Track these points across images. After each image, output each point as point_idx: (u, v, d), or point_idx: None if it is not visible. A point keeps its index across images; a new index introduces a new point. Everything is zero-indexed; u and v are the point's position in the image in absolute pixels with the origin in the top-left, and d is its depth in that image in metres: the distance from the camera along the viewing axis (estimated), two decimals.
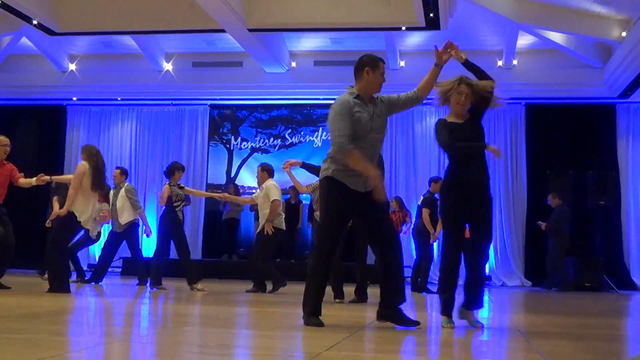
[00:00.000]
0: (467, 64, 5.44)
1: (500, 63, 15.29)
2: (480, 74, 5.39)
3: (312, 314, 5.01)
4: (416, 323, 4.95)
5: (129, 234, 11.03)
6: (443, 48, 5.34)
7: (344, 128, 4.94)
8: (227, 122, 17.16)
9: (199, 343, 3.98)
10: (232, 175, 16.82)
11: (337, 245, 5.24)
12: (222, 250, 15.97)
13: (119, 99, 17.14)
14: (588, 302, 10.09)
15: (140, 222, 11.26)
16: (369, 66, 5.13)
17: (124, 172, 11.33)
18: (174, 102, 17.11)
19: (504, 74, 15.20)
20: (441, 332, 4.94)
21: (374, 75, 5.11)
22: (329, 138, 5.28)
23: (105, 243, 11.38)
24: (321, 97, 16.16)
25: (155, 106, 17.30)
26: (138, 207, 11.07)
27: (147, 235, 11.27)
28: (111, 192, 11.19)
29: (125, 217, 10.88)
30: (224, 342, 4.05)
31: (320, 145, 16.44)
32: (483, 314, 7.29)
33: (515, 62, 15.25)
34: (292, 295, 9.15)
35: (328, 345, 3.80)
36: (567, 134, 15.34)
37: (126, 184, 11.21)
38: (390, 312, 5.01)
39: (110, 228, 11.29)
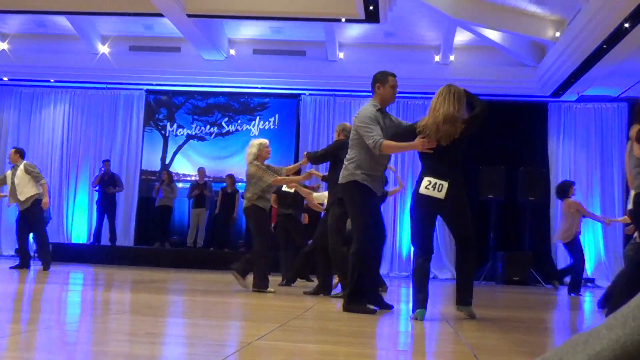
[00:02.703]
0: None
1: (437, 58, 15.47)
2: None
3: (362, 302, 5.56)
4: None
5: (31, 209, 10.79)
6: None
7: (375, 130, 5.49)
8: (163, 108, 16.94)
9: (128, 331, 3.92)
10: (167, 162, 16.62)
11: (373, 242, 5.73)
12: (154, 238, 15.80)
13: (51, 80, 16.72)
14: (516, 295, 10.32)
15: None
16: (379, 82, 5.74)
17: (18, 151, 11.12)
18: (108, 85, 16.80)
19: (441, 69, 15.40)
20: (367, 323, 4.98)
21: (384, 89, 5.71)
22: (363, 141, 5.61)
23: (17, 229, 11.11)
24: (259, 85, 16.10)
25: (90, 89, 16.96)
26: (41, 177, 10.90)
27: (43, 207, 11.01)
28: (9, 172, 10.95)
29: (25, 193, 10.69)
30: (153, 330, 4.00)
31: (256, 134, 16.37)
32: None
33: (452, 58, 15.45)
34: (224, 284, 9.11)
35: (259, 334, 3.79)
36: (501, 131, 15.62)
37: (24, 161, 10.97)
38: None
39: (17, 212, 11.08)
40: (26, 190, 10.70)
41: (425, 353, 3.76)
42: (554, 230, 15.35)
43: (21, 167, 10.79)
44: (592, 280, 14.83)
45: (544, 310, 7.88)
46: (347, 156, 5.73)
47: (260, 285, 7.81)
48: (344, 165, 5.74)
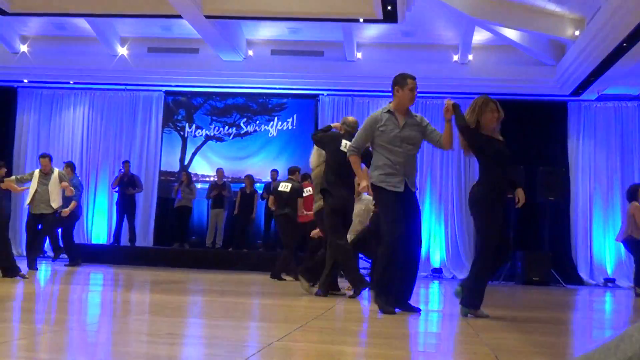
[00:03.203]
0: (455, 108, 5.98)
1: (456, 58, 15.42)
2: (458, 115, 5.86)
3: (388, 302, 5.59)
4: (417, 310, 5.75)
5: (52, 216, 11.18)
6: (445, 110, 5.75)
7: (358, 138, 5.95)
8: (181, 109, 17.01)
9: (148, 332, 3.94)
10: (186, 163, 16.69)
11: (400, 235, 5.68)
12: (173, 238, 15.86)
13: (71, 82, 16.84)
14: (536, 296, 10.27)
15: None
16: (398, 85, 5.86)
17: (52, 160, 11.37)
18: (127, 87, 16.88)
19: (460, 68, 15.36)
20: (389, 324, 4.97)
21: (403, 92, 5.82)
22: (375, 142, 5.95)
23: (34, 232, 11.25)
24: (277, 86, 16.12)
25: (109, 91, 17.05)
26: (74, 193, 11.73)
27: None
28: (37, 172, 11.08)
29: (57, 201, 11.07)
30: (173, 331, 4.02)
31: (275, 134, 16.40)
32: (434, 307, 7.37)
33: (470, 57, 15.39)
34: (243, 285, 9.14)
35: (279, 335, 3.79)
36: (519, 130, 15.52)
37: (58, 169, 11.30)
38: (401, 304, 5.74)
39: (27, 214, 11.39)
40: (58, 198, 10.94)
41: (446, 354, 3.75)
42: (574, 230, 15.27)
43: (55, 174, 10.97)
44: (612, 280, 14.72)
45: (564, 311, 7.83)
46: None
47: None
48: None
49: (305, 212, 10.67)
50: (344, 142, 7.31)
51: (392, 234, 5.60)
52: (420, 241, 5.89)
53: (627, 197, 11.56)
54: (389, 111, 5.84)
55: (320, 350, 3.48)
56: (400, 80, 5.85)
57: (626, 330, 1.19)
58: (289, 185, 10.83)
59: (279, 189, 10.89)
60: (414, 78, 5.87)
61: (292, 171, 11.42)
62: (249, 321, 4.87)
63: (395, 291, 5.73)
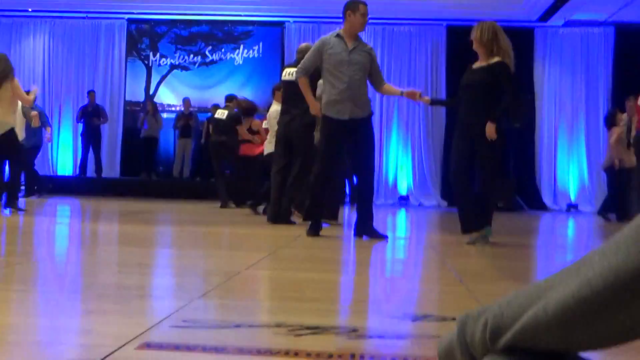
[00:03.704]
0: (434, 103, 6.78)
1: None
2: (444, 103, 6.02)
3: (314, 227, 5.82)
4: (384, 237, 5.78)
5: None
6: (409, 94, 6.06)
7: (306, 60, 5.94)
8: (145, 38, 16.67)
9: (117, 262, 3.96)
10: (151, 92, 16.46)
11: (332, 168, 5.97)
12: (140, 169, 15.77)
13: (30, 10, 16.36)
14: (500, 222, 10.43)
15: None
16: (350, 9, 5.83)
17: None
18: (89, 15, 16.46)
19: None
20: (356, 250, 5.05)
21: (354, 17, 5.81)
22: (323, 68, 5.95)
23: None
24: (243, 13, 15.84)
25: (70, 19, 16.60)
26: None
27: None
28: None
29: None
30: (142, 261, 4.04)
31: (241, 63, 16.20)
32: (401, 234, 7.48)
33: None
34: (211, 215, 9.16)
35: (248, 264, 3.83)
36: None
37: None
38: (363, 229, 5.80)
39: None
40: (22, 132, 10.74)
41: (411, 279, 3.83)
42: (539, 157, 15.45)
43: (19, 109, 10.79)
44: (575, 206, 15.01)
45: (528, 237, 7.99)
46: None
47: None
48: None
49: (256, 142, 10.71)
50: (285, 70, 7.42)
51: (322, 165, 5.78)
52: (371, 167, 5.95)
53: (605, 124, 11.50)
54: (338, 35, 5.87)
55: (287, 278, 3.53)
56: (352, 5, 5.86)
57: (587, 254, 1.21)
58: (226, 112, 10.87)
59: (216, 116, 10.94)
60: (365, 4, 5.89)
61: (229, 99, 11.50)
62: (218, 250, 4.91)
63: (357, 220, 5.90)
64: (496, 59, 5.55)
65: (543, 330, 1.21)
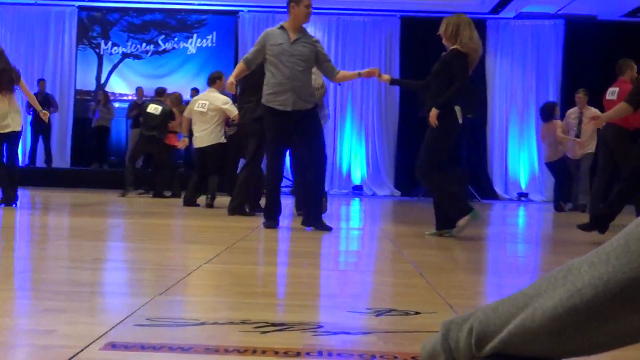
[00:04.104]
0: (393, 82, 6.50)
1: None
2: (407, 84, 6.02)
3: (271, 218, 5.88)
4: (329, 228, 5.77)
5: None
6: (368, 73, 6.11)
7: (251, 50, 6.05)
8: (96, 26, 16.38)
9: (70, 257, 3.89)
10: (102, 81, 16.20)
11: (278, 160, 5.95)
12: (92, 159, 15.53)
13: None
14: None
15: None
16: (293, 2, 5.88)
17: None
18: (38, 2, 16.11)
19: None
20: (311, 243, 5.04)
21: (298, 9, 5.84)
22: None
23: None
24: (196, 2, 15.69)
25: (18, 5, 16.23)
26: None
27: None
28: None
29: None
30: (99, 256, 3.98)
31: (194, 52, 16.05)
32: (355, 224, 7.50)
33: None
34: (165, 206, 9.07)
35: (207, 258, 3.80)
36: (439, 48, 15.57)
37: None
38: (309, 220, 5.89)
39: None
40: None
41: (370, 272, 3.84)
42: (490, 146, 15.64)
43: None
44: (526, 195, 15.25)
45: (481, 227, 8.08)
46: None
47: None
48: None
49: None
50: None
51: (271, 158, 5.84)
52: (320, 158, 5.91)
53: (541, 117, 11.53)
54: (281, 27, 5.91)
55: (247, 272, 3.52)
56: None
57: (574, 262, 1.22)
58: (159, 108, 10.88)
59: (148, 110, 10.95)
60: None
61: (160, 92, 11.53)
62: (174, 244, 4.86)
63: (306, 211, 5.99)
64: (451, 47, 5.60)
65: (531, 337, 1.23)
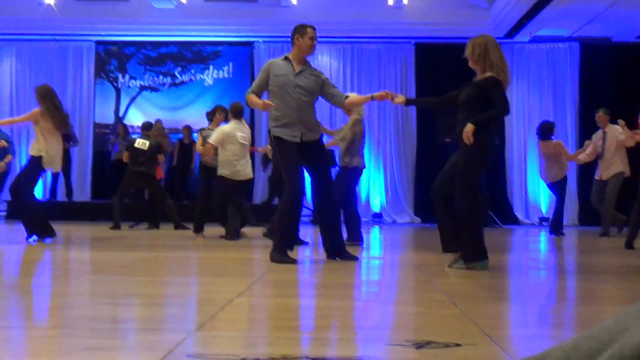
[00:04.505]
0: (409, 102, 6.16)
1: (390, 2, 15.31)
2: (426, 102, 5.87)
3: (284, 253, 5.55)
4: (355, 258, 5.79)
5: None
6: (380, 96, 5.91)
7: (255, 81, 5.99)
8: (113, 59, 16.56)
9: (106, 293, 3.89)
10: (121, 114, 16.34)
11: (299, 183, 5.72)
12: (111, 192, 15.59)
13: None
14: None
15: None
16: (298, 33, 5.91)
17: None
18: (56, 37, 16.33)
19: (394, 12, 15.29)
20: (341, 273, 5.03)
21: (303, 40, 5.86)
22: (273, 90, 5.94)
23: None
24: (212, 34, 15.83)
25: (37, 42, 16.45)
26: None
27: None
28: None
29: None
30: (130, 291, 3.98)
31: (211, 83, 16.16)
32: (378, 253, 7.47)
33: (405, 1, 15.33)
34: (186, 238, 9.07)
35: (238, 291, 3.79)
36: (455, 73, 15.61)
37: None
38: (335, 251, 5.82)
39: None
40: None
41: (402, 302, 3.82)
42: (509, 171, 15.60)
43: None
44: (547, 219, 15.14)
45: (504, 253, 8.04)
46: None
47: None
48: None
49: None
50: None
51: (290, 187, 5.64)
52: (331, 188, 5.92)
53: (539, 135, 11.22)
54: (286, 58, 5.93)
55: (281, 305, 3.51)
56: (300, 29, 5.94)
57: (617, 318, 1.21)
58: (147, 142, 10.94)
59: (136, 145, 11.00)
60: (313, 27, 5.97)
61: (146, 126, 11.62)
62: (202, 277, 4.86)
63: (329, 243, 5.86)
64: (488, 74, 5.40)
65: None
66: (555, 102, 15.75)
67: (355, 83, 15.82)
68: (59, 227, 11.60)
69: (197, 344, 2.43)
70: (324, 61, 15.49)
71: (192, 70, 16.31)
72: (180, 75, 16.31)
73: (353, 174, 7.95)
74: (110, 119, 16.28)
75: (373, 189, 15.68)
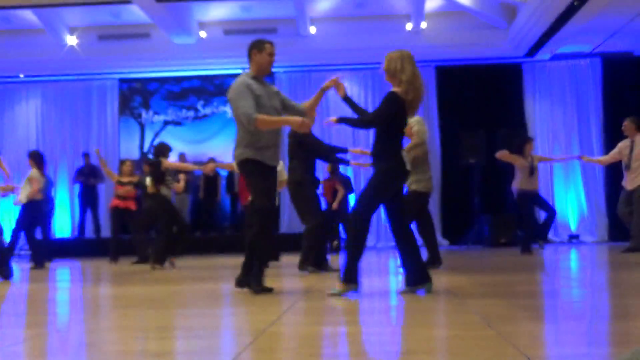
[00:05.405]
0: (346, 99, 5.56)
1: (409, 27, 15.44)
2: (356, 109, 5.46)
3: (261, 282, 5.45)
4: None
5: None
6: (327, 86, 5.68)
7: (247, 104, 5.32)
8: (137, 96, 16.79)
9: (139, 327, 3.91)
10: (146, 149, 16.51)
11: (272, 209, 5.49)
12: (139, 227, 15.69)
13: (21, 75, 16.51)
14: (505, 258, 10.42)
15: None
16: (255, 48, 5.60)
17: None
18: (80, 77, 16.59)
19: (413, 37, 15.39)
20: (367, 299, 5.00)
21: (261, 56, 5.55)
22: (235, 119, 5.58)
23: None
24: (232, 66, 16.00)
25: (61, 82, 16.75)
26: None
27: None
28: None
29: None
30: (162, 324, 3.99)
31: None
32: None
33: (423, 25, 15.42)
34: (215, 269, 9.10)
35: (269, 320, 3.79)
36: (477, 94, 15.66)
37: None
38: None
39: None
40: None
41: (437, 325, 3.79)
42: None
43: None
44: (576, 236, 15.01)
45: (535, 272, 7.96)
46: (238, 135, 5.52)
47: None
48: (236, 145, 5.54)
49: None
50: None
51: (264, 206, 5.38)
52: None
53: (515, 148, 11.21)
54: (255, 77, 5.54)
55: (316, 333, 3.49)
56: (258, 44, 5.61)
57: None
58: (147, 179, 10.94)
59: (146, 183, 10.90)
60: (272, 43, 5.66)
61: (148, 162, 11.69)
62: (234, 307, 4.86)
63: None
64: (392, 90, 5.21)
65: None
66: (579, 118, 15.71)
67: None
68: (90, 264, 11.70)
69: None
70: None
71: (215, 103, 16.48)
72: (203, 109, 16.48)
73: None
74: (135, 155, 16.47)
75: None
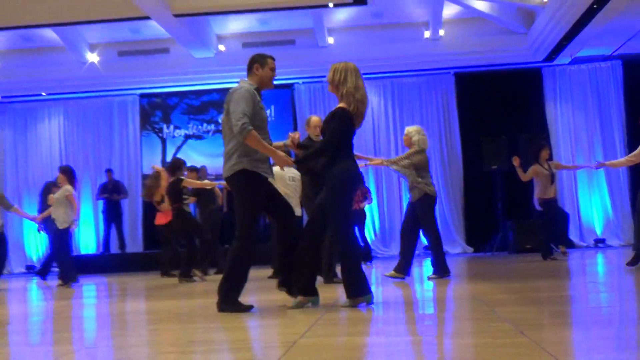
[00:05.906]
0: (300, 147, 5.71)
1: (427, 34, 15.42)
2: (310, 147, 5.65)
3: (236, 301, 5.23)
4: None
5: None
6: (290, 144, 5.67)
7: (247, 110, 5.17)
8: (158, 111, 16.89)
9: (170, 342, 3.92)
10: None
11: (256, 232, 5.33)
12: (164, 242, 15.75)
13: (44, 94, 16.68)
14: (531, 264, 10.35)
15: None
16: (257, 63, 5.48)
17: None
18: (101, 93, 16.73)
19: (432, 44, 15.38)
20: (397, 307, 4.99)
21: (263, 71, 5.46)
22: (223, 125, 5.53)
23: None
24: None
25: (83, 99, 16.89)
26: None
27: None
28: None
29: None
30: (194, 338, 4.00)
31: None
32: (432, 285, 7.39)
33: (441, 32, 15.39)
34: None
35: (300, 332, 3.79)
36: (497, 100, 15.58)
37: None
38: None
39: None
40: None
41: (468, 334, 3.77)
42: (560, 194, 15.35)
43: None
44: (602, 241, 14.88)
45: (563, 277, 7.90)
46: (229, 146, 5.33)
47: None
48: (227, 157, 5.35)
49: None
50: None
51: (251, 228, 5.22)
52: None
53: (530, 155, 11.30)
54: (257, 89, 5.42)
55: (347, 344, 3.49)
56: (259, 59, 5.50)
57: None
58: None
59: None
60: (273, 58, 5.59)
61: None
62: (263, 319, 4.86)
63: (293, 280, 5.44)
64: (337, 107, 5.24)
65: None
66: (601, 121, 15.59)
67: (397, 117, 15.90)
68: (116, 280, 11.75)
69: None
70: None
71: None
72: None
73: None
74: None
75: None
